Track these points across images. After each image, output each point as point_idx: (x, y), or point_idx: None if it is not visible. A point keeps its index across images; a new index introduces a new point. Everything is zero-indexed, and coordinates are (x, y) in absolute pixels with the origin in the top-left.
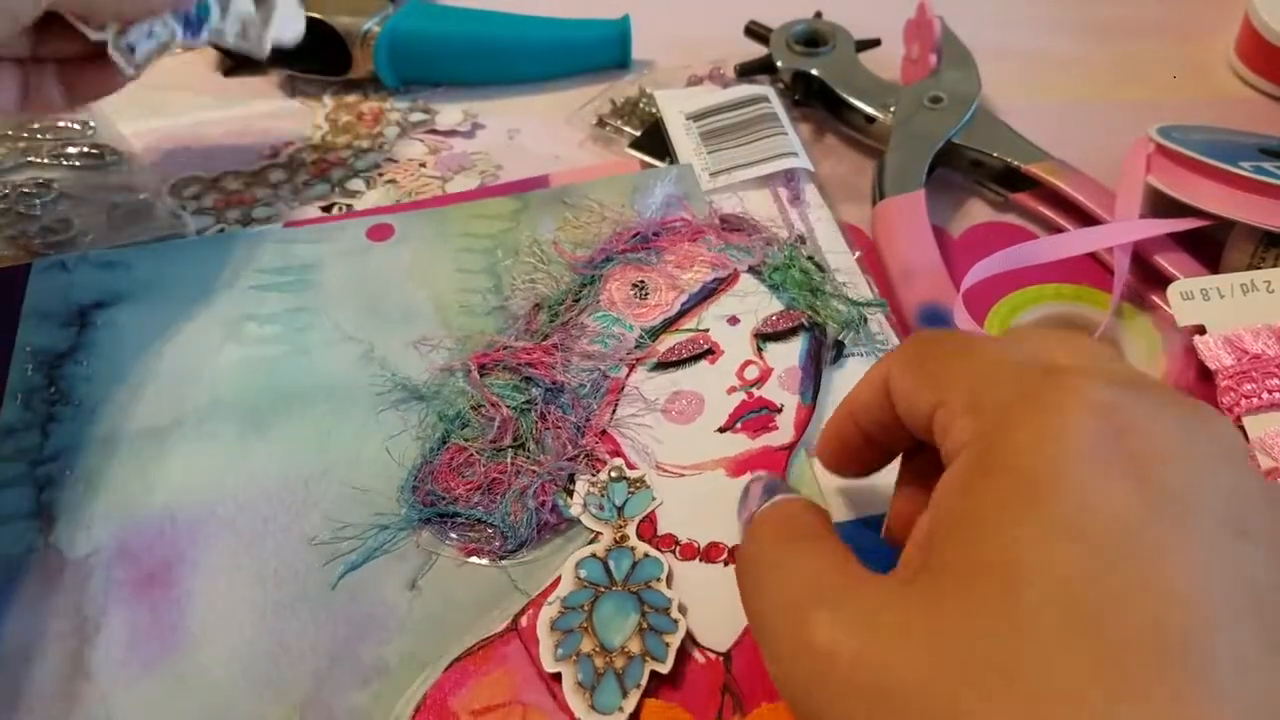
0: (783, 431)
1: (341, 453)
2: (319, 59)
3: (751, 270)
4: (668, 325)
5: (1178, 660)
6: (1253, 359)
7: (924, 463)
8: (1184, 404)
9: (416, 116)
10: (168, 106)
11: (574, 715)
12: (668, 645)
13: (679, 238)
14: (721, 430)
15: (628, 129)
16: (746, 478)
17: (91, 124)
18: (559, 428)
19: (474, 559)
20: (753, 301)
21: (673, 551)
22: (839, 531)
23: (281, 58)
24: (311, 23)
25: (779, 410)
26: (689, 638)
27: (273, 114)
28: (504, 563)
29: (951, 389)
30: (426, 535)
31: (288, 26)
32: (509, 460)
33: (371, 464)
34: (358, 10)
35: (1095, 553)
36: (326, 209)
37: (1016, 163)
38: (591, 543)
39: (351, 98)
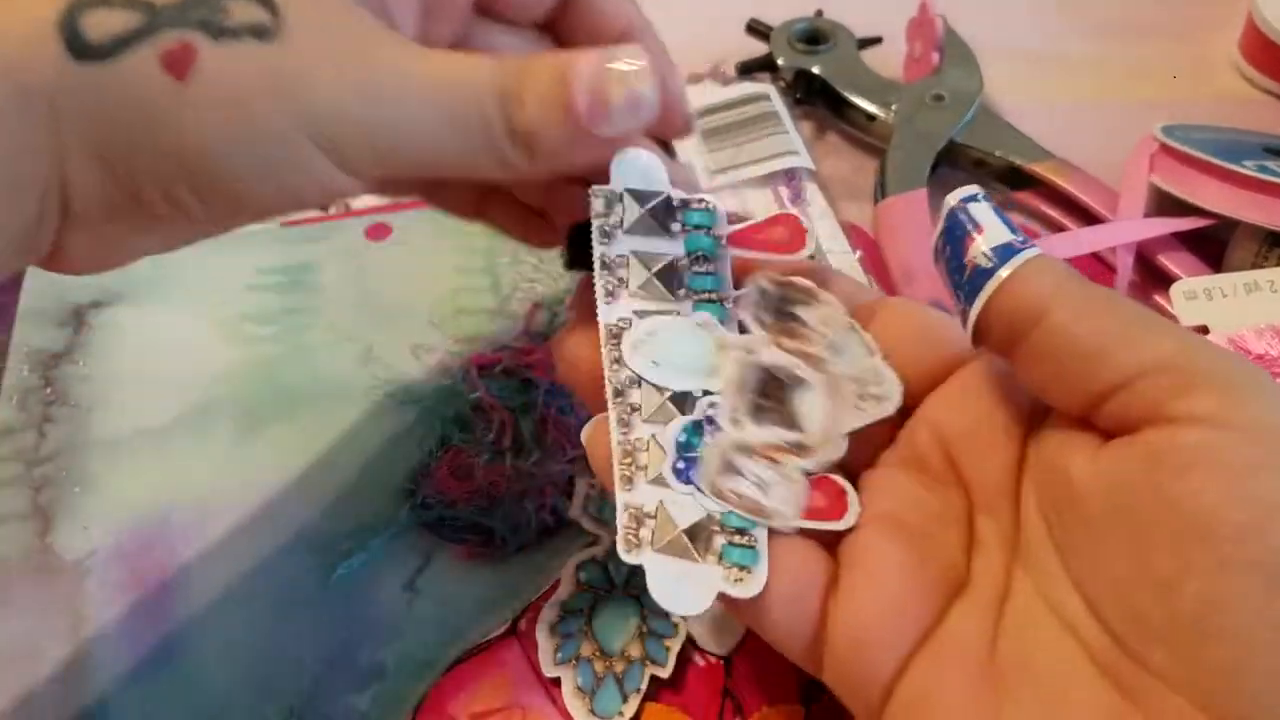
0: None
1: (339, 454)
2: None
3: None
4: None
5: None
6: (1256, 359)
7: None
8: None
9: None
10: None
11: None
12: (668, 649)
13: None
14: None
15: None
16: None
17: None
18: (558, 429)
19: (473, 562)
20: None
21: None
22: None
23: None
24: None
25: None
26: (689, 641)
27: None
28: (503, 565)
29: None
30: (425, 538)
31: None
32: (508, 462)
33: (370, 465)
34: None
35: None
36: (324, 208)
37: (1019, 162)
38: (591, 546)
39: None
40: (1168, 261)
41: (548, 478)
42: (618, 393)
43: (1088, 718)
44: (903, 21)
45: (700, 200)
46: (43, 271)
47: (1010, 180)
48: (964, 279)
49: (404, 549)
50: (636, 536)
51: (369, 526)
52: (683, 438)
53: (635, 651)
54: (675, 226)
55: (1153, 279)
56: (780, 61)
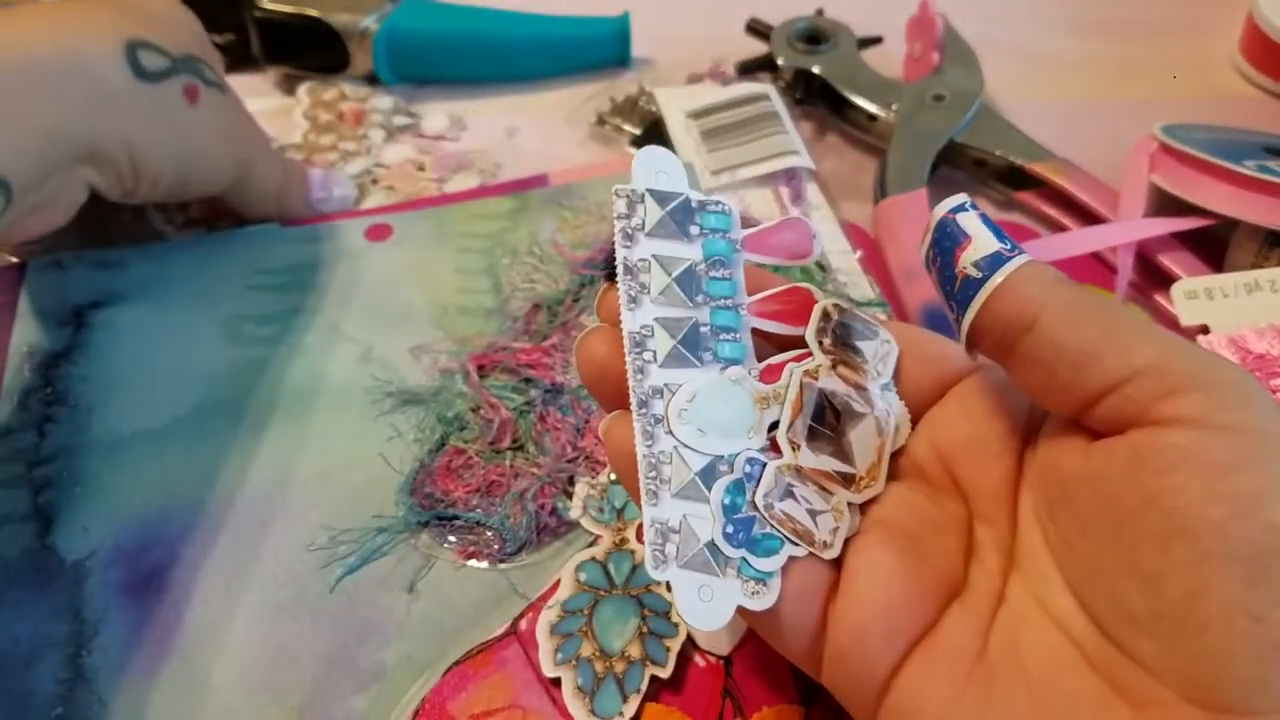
0: None
1: (339, 455)
2: (316, 56)
3: None
4: None
5: None
6: (1257, 359)
7: None
8: None
9: (400, 120)
10: None
11: None
12: (668, 649)
13: None
14: None
15: (627, 127)
16: None
17: None
18: (558, 429)
19: (473, 562)
20: None
21: None
22: None
23: (278, 55)
24: (307, 20)
25: None
26: (689, 641)
27: (265, 113)
28: (503, 566)
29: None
30: (425, 538)
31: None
32: (508, 462)
33: (369, 466)
34: (355, 7)
35: None
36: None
37: (1020, 161)
38: (591, 546)
39: (329, 95)
40: (1168, 261)
41: (548, 478)
42: (641, 404)
43: (1077, 709)
44: (903, 21)
45: (717, 203)
46: (43, 271)
47: (1010, 180)
48: (955, 289)
49: (404, 550)
50: (663, 552)
51: (369, 527)
52: (727, 500)
53: (635, 652)
54: (694, 229)
55: (1153, 279)
56: (780, 61)
